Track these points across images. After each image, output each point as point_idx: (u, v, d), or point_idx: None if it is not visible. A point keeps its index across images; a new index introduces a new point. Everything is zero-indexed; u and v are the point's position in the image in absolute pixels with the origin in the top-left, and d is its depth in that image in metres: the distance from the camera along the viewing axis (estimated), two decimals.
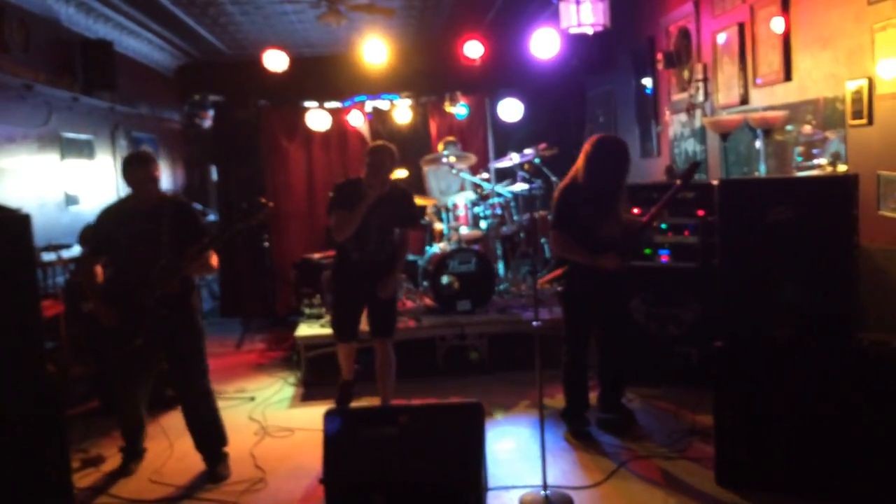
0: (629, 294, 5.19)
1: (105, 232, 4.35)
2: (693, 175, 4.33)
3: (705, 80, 5.98)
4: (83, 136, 7.00)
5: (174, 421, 5.22)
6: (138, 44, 8.49)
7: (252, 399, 5.79)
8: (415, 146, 8.99)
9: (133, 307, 4.20)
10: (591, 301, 4.61)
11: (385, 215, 4.90)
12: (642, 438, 4.59)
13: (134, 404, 4.51)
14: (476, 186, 7.37)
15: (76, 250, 5.97)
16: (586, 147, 4.48)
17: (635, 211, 5.12)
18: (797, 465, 3.69)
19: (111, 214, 4.39)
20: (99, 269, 4.41)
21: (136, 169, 4.28)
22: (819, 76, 4.55)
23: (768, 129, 4.84)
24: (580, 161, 4.48)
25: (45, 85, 6.02)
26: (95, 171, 7.14)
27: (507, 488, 4.02)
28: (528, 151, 7.17)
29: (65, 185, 6.52)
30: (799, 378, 3.68)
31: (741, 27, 5.37)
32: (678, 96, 6.55)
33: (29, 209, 3.68)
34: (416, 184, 8.12)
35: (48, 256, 5.88)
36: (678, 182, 4.34)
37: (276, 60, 7.64)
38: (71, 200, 6.62)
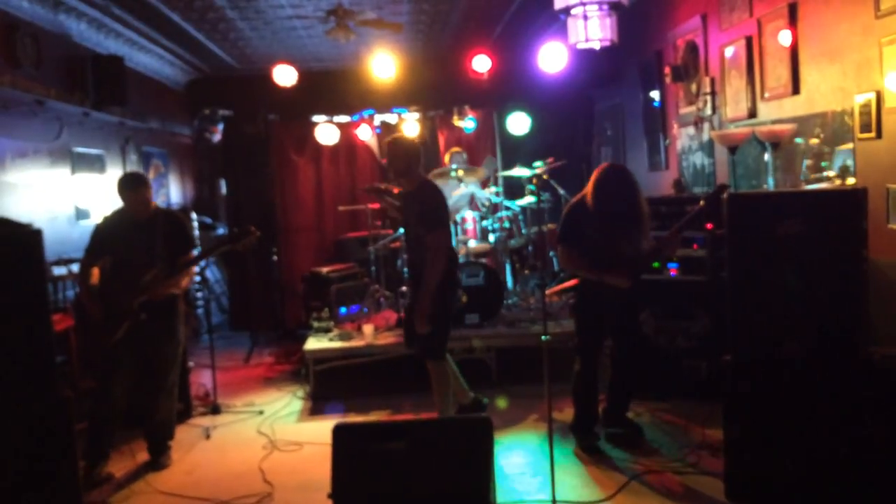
0: (639, 308, 5.18)
1: (101, 238, 4.76)
2: (719, 198, 4.17)
3: (713, 93, 5.98)
4: (94, 151, 7.06)
5: (183, 434, 5.26)
6: (149, 59, 8.57)
7: (261, 413, 5.79)
8: (423, 160, 8.99)
9: (119, 306, 4.57)
10: (602, 314, 4.61)
11: (410, 213, 5.01)
12: (652, 453, 4.57)
13: (108, 401, 4.66)
14: (481, 200, 7.39)
15: None
16: (594, 174, 4.50)
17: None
18: (807, 480, 3.66)
19: (109, 223, 4.83)
20: (96, 271, 4.72)
21: (130, 192, 4.71)
22: (827, 89, 4.55)
23: (776, 143, 4.84)
24: (589, 186, 4.50)
25: (56, 100, 6.08)
26: (106, 186, 7.19)
27: None
28: (537, 165, 7.19)
29: (75, 199, 6.57)
30: (808, 392, 3.66)
31: (749, 41, 5.38)
32: (686, 109, 6.56)
33: (40, 223, 3.72)
34: None
35: (59, 271, 5.92)
36: (701, 203, 4.32)
37: (285, 75, 7.69)
38: (82, 214, 6.67)
